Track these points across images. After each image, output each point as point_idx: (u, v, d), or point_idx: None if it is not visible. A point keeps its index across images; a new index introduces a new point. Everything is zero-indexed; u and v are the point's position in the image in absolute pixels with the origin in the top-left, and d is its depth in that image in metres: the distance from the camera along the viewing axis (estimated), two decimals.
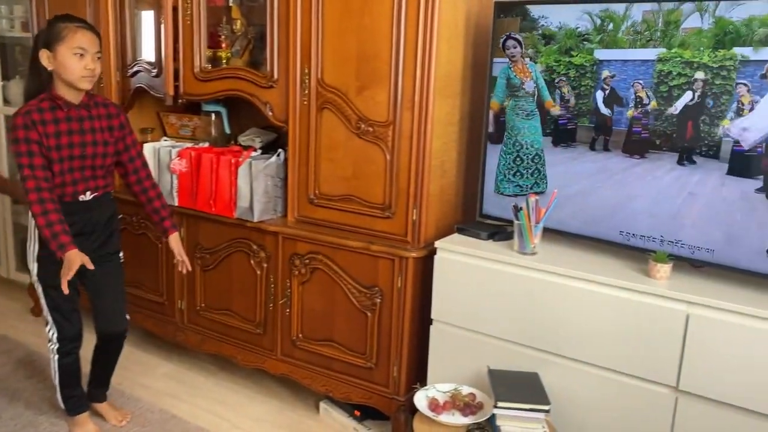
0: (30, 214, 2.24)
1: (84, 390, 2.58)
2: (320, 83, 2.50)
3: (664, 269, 2.01)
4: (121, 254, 2.52)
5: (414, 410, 2.18)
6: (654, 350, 1.97)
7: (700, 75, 1.94)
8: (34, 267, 2.34)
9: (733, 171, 1.93)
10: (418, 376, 2.48)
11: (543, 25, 2.22)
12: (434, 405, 2.13)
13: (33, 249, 2.32)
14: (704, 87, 1.94)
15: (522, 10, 2.26)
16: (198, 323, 3.00)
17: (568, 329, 2.11)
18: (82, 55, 2.16)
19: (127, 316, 2.54)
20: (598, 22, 2.11)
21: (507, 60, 2.34)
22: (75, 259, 2.10)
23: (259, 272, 2.76)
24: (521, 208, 2.22)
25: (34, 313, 3.63)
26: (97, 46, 2.22)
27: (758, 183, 1.89)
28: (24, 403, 2.76)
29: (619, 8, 2.06)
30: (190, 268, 2.53)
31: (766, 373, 1.81)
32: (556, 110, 2.27)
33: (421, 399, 2.17)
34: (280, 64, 2.59)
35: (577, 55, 2.17)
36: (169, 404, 2.81)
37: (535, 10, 2.23)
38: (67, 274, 2.09)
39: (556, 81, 2.24)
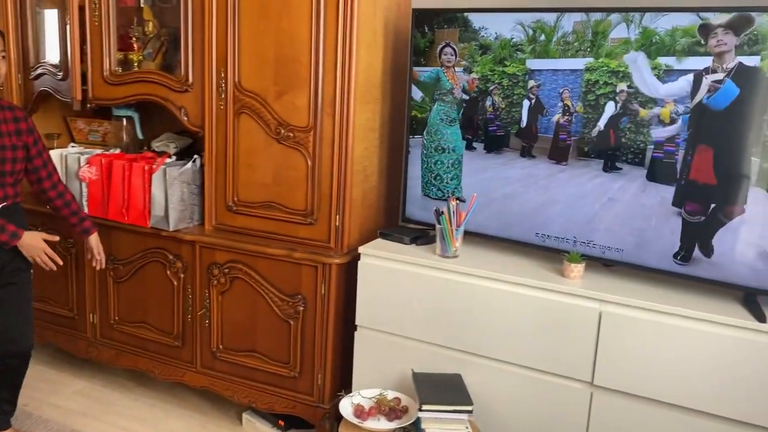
0: None
1: None
2: (237, 87, 2.45)
3: (577, 269, 2.09)
4: (32, 270, 2.36)
5: (339, 417, 2.17)
6: (570, 347, 2.04)
7: (622, 86, 2.02)
8: None
9: (652, 178, 2.02)
10: (343, 383, 2.47)
11: (483, 36, 2.26)
12: (359, 411, 2.12)
13: None
14: (627, 97, 2.02)
15: (463, 20, 2.28)
16: (112, 337, 2.87)
17: (488, 330, 2.16)
18: None
19: (32, 335, 2.39)
20: (531, 32, 2.16)
21: (428, 69, 2.37)
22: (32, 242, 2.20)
23: (176, 283, 2.66)
24: (443, 213, 2.25)
25: None
26: (1, 45, 2.11)
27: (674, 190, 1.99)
28: None
29: (550, 19, 2.12)
30: (104, 265, 2.49)
31: (674, 366, 1.91)
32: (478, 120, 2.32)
33: (346, 406, 2.15)
34: (195, 67, 2.52)
35: (510, 65, 2.22)
36: (81, 424, 2.67)
37: (476, 20, 2.26)
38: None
39: (490, 89, 2.28)
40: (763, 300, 1.93)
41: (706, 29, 1.86)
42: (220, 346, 2.62)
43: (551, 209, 2.21)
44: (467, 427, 2.03)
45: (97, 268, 2.51)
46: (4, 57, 2.12)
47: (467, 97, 2.33)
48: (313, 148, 2.37)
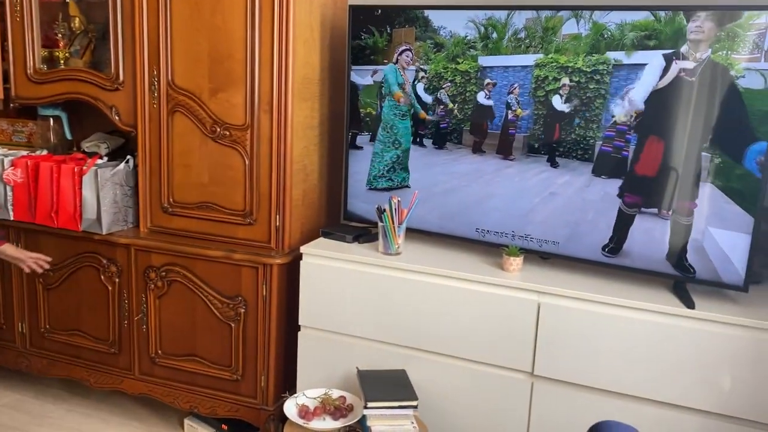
0: None
1: None
2: (171, 85, 2.38)
3: (516, 262, 2.13)
4: None
5: (284, 419, 2.14)
6: (510, 339, 2.08)
7: (565, 80, 2.05)
8: None
9: (599, 172, 2.06)
10: (287, 384, 2.44)
11: (440, 35, 2.25)
12: (304, 412, 2.10)
13: None
14: (574, 90, 2.04)
15: (424, 20, 2.27)
16: (43, 346, 2.75)
17: (432, 325, 2.17)
18: None
19: None
20: (482, 29, 2.18)
21: (380, 67, 2.36)
22: None
23: (110, 288, 2.58)
24: (385, 210, 2.25)
25: None
26: None
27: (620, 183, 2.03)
28: None
29: (501, 16, 2.13)
30: (47, 261, 2.42)
31: (611, 353, 1.97)
32: (426, 118, 2.32)
33: (290, 407, 2.13)
34: (126, 65, 2.44)
35: (462, 62, 2.23)
36: None
37: (435, 19, 2.25)
38: None
39: (442, 86, 2.28)
40: (693, 287, 2.02)
41: (690, 10, 1.87)
42: (159, 352, 2.55)
43: (489, 203, 2.24)
44: (412, 422, 2.04)
45: (45, 267, 2.42)
46: None
47: (422, 94, 2.33)
48: (251, 147, 2.33)
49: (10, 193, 2.61)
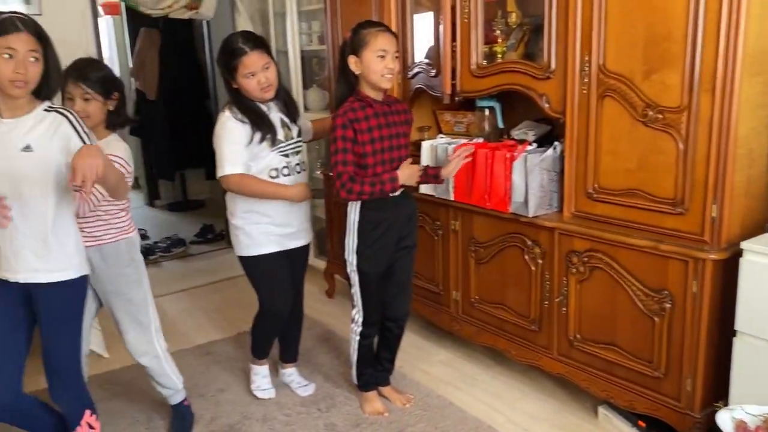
0: (348, 209, 2.51)
1: (375, 370, 2.80)
2: (602, 70, 2.36)
3: None
4: (416, 247, 2.69)
5: (711, 429, 1.94)
6: None
7: None
8: (353, 258, 2.54)
9: None
10: (718, 393, 2.21)
11: None
12: (742, 429, 1.87)
13: (352, 243, 2.53)
14: None
15: None
16: (472, 315, 3.06)
17: None
18: (383, 56, 2.34)
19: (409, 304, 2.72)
20: None
21: None
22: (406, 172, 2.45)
23: (533, 268, 2.71)
24: None
25: (329, 294, 4.08)
26: (396, 46, 2.39)
27: None
28: (323, 376, 3.10)
29: None
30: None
31: None
32: None
33: (725, 420, 1.91)
34: (558, 53, 2.50)
35: None
36: (446, 391, 2.92)
37: None
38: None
39: None
40: None
41: None
42: (578, 336, 2.59)
43: None
44: None
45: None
46: (398, 57, 2.39)
47: None
48: (686, 130, 2.15)
49: (451, 177, 2.96)
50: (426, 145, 3.08)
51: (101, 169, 1.82)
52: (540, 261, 2.68)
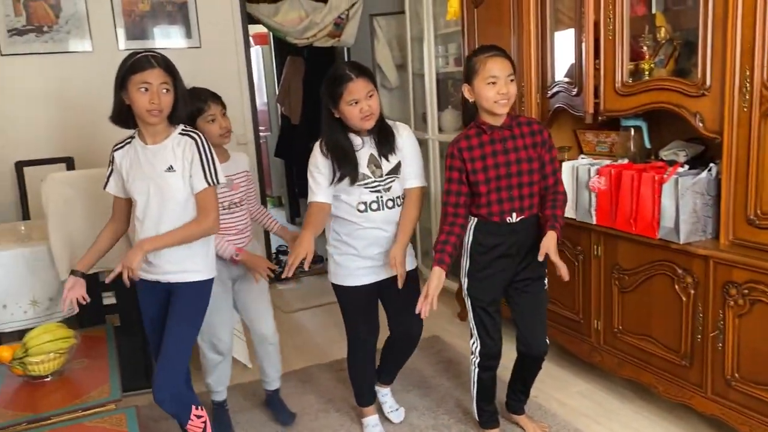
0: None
1: (497, 407, 2.68)
2: (765, 86, 2.16)
3: None
4: (545, 280, 2.52)
5: None
6: None
7: None
8: (465, 281, 2.51)
9: None
10: None
11: None
12: None
13: (465, 264, 2.51)
14: None
15: None
16: (614, 345, 2.90)
17: None
18: (494, 82, 2.26)
19: (547, 340, 2.55)
20: None
21: None
22: (434, 278, 2.33)
23: (684, 299, 2.52)
24: None
25: (461, 317, 4.04)
26: (509, 70, 2.28)
27: None
28: (439, 400, 3.04)
29: None
30: (566, 277, 2.35)
31: None
32: None
33: None
34: (714, 69, 2.33)
35: None
36: (584, 424, 2.78)
37: None
38: (434, 293, 2.31)
39: None
40: None
41: None
42: (736, 375, 2.36)
43: None
44: None
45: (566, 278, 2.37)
46: (512, 80, 2.28)
47: None
48: None
49: (593, 200, 2.84)
50: (566, 167, 2.99)
51: (134, 269, 2.19)
52: (692, 291, 2.48)
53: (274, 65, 7.46)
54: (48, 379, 2.35)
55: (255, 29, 7.04)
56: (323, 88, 2.47)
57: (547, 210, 2.41)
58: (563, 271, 2.35)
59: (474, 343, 2.55)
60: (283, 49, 6.84)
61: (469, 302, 2.51)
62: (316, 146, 2.53)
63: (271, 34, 6.66)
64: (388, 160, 2.52)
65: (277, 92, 7.06)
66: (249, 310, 2.88)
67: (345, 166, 2.46)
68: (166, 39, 4.40)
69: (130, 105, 2.19)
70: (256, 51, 7.79)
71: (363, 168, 2.49)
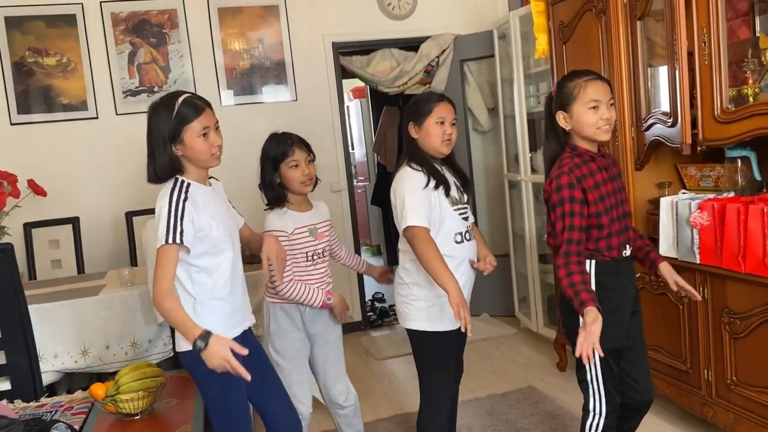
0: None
1: None
2: None
3: None
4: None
5: None
6: None
7: None
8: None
9: None
10: None
11: None
12: None
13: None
14: None
15: None
16: (729, 399, 2.60)
17: None
18: (596, 107, 2.12)
19: None
20: None
21: None
22: (598, 320, 1.99)
23: None
24: None
25: (560, 368, 3.81)
26: (609, 94, 2.15)
27: None
28: None
29: None
30: (698, 297, 2.33)
31: None
32: None
33: None
34: None
35: None
36: None
37: None
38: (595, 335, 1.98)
39: None
40: None
41: None
42: None
43: None
44: None
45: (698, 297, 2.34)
46: (613, 104, 2.15)
47: None
48: None
49: (696, 237, 2.62)
50: (665, 202, 2.78)
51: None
52: None
53: (371, 116, 7.64)
54: (137, 417, 2.42)
55: (353, 83, 7.29)
56: (407, 109, 2.46)
57: (638, 240, 2.33)
58: (694, 292, 2.33)
59: (598, 401, 2.23)
60: (379, 100, 7.01)
61: (596, 355, 2.05)
62: (403, 168, 2.39)
63: (367, 86, 6.85)
64: (464, 193, 2.48)
65: (373, 142, 7.21)
66: (327, 372, 2.71)
67: (438, 176, 2.37)
68: (266, 95, 4.61)
69: None
70: (355, 104, 8.04)
71: (452, 190, 2.41)
